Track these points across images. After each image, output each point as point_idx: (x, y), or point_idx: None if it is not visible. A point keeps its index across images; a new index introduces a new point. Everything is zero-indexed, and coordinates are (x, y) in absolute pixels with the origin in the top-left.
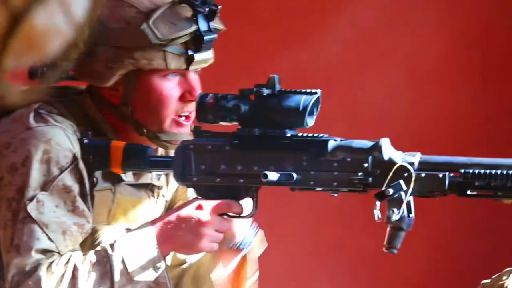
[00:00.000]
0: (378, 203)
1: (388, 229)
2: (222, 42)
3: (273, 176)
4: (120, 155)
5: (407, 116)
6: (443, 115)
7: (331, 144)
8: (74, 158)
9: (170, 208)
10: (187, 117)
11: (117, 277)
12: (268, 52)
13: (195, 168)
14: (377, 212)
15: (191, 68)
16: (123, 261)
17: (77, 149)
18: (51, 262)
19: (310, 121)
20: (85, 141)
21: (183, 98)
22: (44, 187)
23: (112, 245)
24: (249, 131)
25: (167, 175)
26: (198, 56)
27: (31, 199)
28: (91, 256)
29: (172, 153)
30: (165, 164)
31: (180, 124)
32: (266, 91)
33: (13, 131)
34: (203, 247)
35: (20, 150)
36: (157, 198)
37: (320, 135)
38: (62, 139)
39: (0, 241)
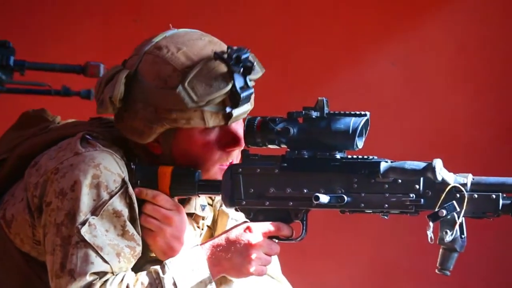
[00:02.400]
0: (431, 224)
1: (440, 250)
2: (271, 62)
3: (324, 198)
4: (168, 180)
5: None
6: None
7: (383, 165)
8: (123, 182)
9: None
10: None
11: None
12: (317, 74)
13: (244, 192)
14: (430, 233)
15: (230, 122)
16: (174, 284)
17: (125, 174)
18: (105, 281)
19: (360, 143)
20: (132, 166)
21: (225, 149)
22: (95, 211)
23: (163, 267)
24: (298, 154)
25: (213, 207)
26: (236, 112)
27: (83, 223)
28: (143, 278)
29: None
30: (213, 188)
31: (223, 170)
32: (315, 114)
33: (61, 157)
34: (252, 271)
35: (69, 175)
36: (202, 229)
37: (370, 157)
38: (110, 163)
39: (48, 266)
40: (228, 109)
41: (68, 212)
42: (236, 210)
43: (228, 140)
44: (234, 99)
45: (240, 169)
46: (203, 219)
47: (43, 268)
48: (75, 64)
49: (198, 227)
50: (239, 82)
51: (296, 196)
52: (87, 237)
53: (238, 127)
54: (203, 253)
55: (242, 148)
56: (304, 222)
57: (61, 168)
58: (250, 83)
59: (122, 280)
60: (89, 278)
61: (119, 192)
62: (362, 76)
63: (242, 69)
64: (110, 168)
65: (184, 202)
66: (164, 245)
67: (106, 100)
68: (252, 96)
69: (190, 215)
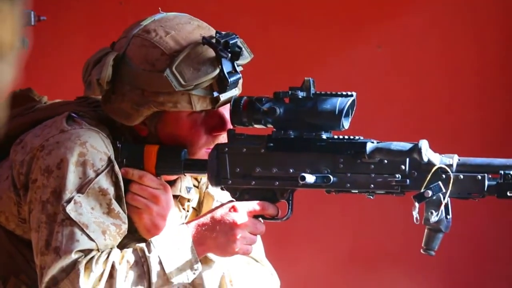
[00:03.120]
0: (417, 205)
1: (426, 231)
2: (258, 45)
3: (310, 178)
4: (154, 158)
5: (440, 118)
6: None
7: (369, 146)
8: (110, 160)
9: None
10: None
11: (154, 278)
12: (303, 56)
13: (230, 171)
14: (415, 214)
15: (217, 107)
16: (160, 263)
17: (111, 152)
18: (90, 259)
19: (346, 124)
20: (118, 144)
21: (211, 133)
22: (81, 189)
23: (148, 246)
24: (284, 134)
25: (199, 189)
26: (223, 96)
27: (68, 201)
28: (129, 255)
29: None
30: (199, 167)
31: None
32: (301, 94)
33: (46, 135)
34: (237, 250)
35: (55, 152)
36: (187, 211)
37: (356, 137)
38: (97, 141)
39: (33, 243)
40: (215, 94)
41: (54, 189)
42: (222, 189)
43: (214, 124)
44: (221, 84)
45: (226, 149)
46: (188, 201)
47: (27, 246)
48: None
49: (184, 209)
50: (227, 67)
51: (282, 176)
52: (72, 215)
53: (225, 111)
54: (188, 232)
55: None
56: (290, 201)
57: (46, 145)
58: (238, 68)
59: (107, 257)
60: (74, 255)
61: (105, 170)
62: (349, 59)
63: (230, 54)
64: (96, 146)
65: (170, 184)
66: (150, 222)
67: (93, 82)
68: (240, 81)
69: (175, 197)
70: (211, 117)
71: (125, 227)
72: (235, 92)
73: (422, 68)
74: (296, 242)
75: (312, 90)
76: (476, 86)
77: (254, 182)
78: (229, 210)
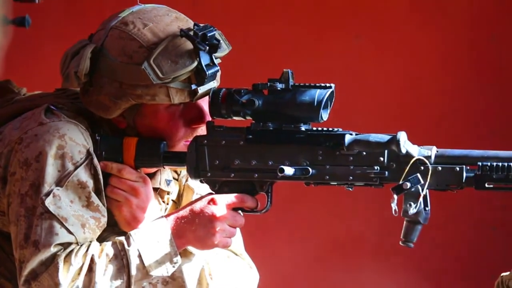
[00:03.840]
0: (395, 196)
1: (404, 222)
2: (236, 37)
3: (288, 170)
4: (133, 151)
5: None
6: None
7: (348, 138)
8: (88, 153)
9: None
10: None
11: (133, 271)
12: (281, 47)
13: (209, 163)
14: (394, 206)
15: (195, 99)
16: (139, 256)
17: (90, 145)
18: (69, 252)
19: (325, 115)
20: (97, 137)
21: (190, 125)
22: (59, 182)
23: (128, 239)
24: (263, 126)
25: (179, 181)
26: (202, 89)
27: (47, 195)
28: (108, 249)
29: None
30: (178, 159)
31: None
32: (280, 86)
33: (25, 127)
34: (216, 243)
35: (33, 145)
36: (167, 204)
37: (335, 129)
38: (75, 134)
39: (12, 236)
40: (193, 86)
41: (33, 182)
42: (201, 181)
43: (193, 116)
44: (199, 76)
45: (205, 141)
46: (168, 194)
47: (5, 239)
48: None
49: (164, 201)
50: (205, 59)
51: (261, 168)
52: (51, 208)
53: (204, 103)
54: (167, 224)
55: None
56: (269, 194)
57: (25, 138)
58: (216, 61)
59: (87, 250)
60: (53, 249)
61: (84, 163)
62: (326, 49)
63: (208, 47)
64: (75, 139)
65: (149, 177)
66: (129, 215)
67: (71, 74)
68: (218, 74)
69: (155, 189)
70: (190, 109)
71: (104, 220)
72: (213, 84)
73: (401, 58)
74: (275, 234)
75: (291, 82)
76: (460, 75)
77: (233, 175)
78: (208, 203)
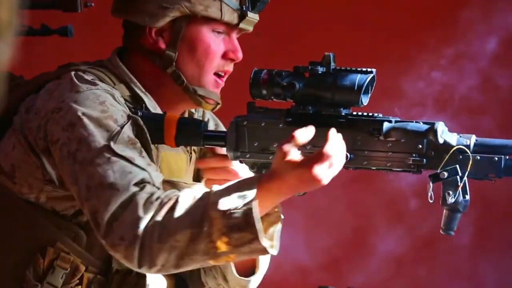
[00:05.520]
0: (431, 184)
1: (444, 211)
2: (273, 17)
3: None
4: (173, 129)
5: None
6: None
7: (386, 125)
8: (129, 116)
9: None
10: (222, 77)
11: (214, 218)
12: (322, 29)
13: (248, 145)
14: (430, 192)
15: (241, 25)
16: (217, 209)
17: (128, 111)
18: (149, 192)
19: (365, 100)
20: (139, 113)
21: (226, 56)
22: (111, 139)
23: (210, 191)
24: (303, 109)
25: None
26: (250, 15)
27: (109, 139)
28: (195, 192)
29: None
30: (218, 138)
31: (217, 84)
32: (321, 69)
33: (60, 96)
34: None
35: (74, 110)
36: (190, 153)
37: (375, 114)
38: (114, 102)
39: (76, 197)
40: (244, 8)
41: (80, 139)
42: (240, 162)
43: (229, 47)
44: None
45: (245, 122)
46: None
47: (54, 214)
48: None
49: (187, 150)
50: None
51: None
52: (116, 150)
53: (237, 42)
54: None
55: (238, 60)
56: None
57: (63, 106)
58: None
59: (164, 193)
60: (132, 188)
61: (128, 123)
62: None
63: None
64: (115, 105)
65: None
66: None
67: None
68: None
69: None
70: (226, 42)
71: (159, 173)
72: (257, 17)
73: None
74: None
75: (332, 66)
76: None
77: (271, 157)
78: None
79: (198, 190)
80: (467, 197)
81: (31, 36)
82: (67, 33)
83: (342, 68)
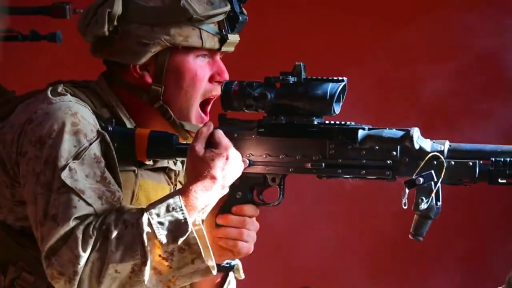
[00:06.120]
0: (406, 190)
1: (415, 216)
2: (248, 29)
3: None
4: (145, 143)
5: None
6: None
7: (361, 133)
8: (99, 132)
9: None
10: (207, 105)
11: (145, 239)
12: (293, 39)
13: None
14: (404, 199)
15: (223, 48)
16: (149, 224)
17: (98, 127)
18: (88, 224)
19: (337, 109)
20: (109, 128)
21: (212, 79)
22: (76, 156)
23: (143, 209)
24: (276, 119)
25: (183, 161)
26: (230, 37)
27: (63, 168)
28: (126, 216)
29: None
30: None
31: (203, 120)
32: (292, 79)
33: (33, 108)
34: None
35: (46, 123)
36: (175, 185)
37: (348, 122)
38: (87, 114)
39: (30, 217)
40: (224, 32)
41: (47, 159)
42: None
43: (215, 70)
44: (231, 21)
45: None
46: (175, 175)
47: (20, 233)
48: (42, 5)
49: (172, 182)
50: (236, 6)
51: (273, 161)
52: (68, 181)
53: (222, 63)
54: (177, 192)
55: (225, 81)
56: (281, 187)
57: (35, 118)
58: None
59: (104, 219)
60: (72, 223)
61: (98, 140)
62: (338, 42)
63: None
64: (87, 118)
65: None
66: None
67: (104, 17)
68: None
69: (163, 169)
70: (211, 65)
71: (119, 194)
72: (237, 38)
73: (412, 53)
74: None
75: (303, 75)
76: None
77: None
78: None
79: (126, 214)
80: (439, 203)
81: (20, 42)
82: (55, 39)
83: (313, 77)
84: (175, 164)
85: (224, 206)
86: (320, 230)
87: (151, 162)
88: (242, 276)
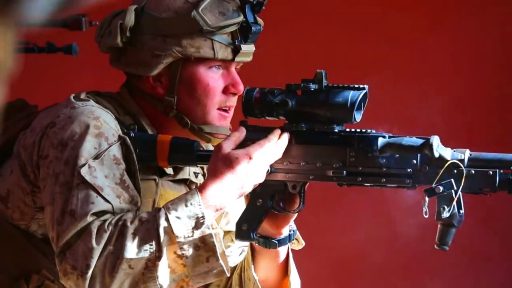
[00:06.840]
0: (426, 199)
1: (439, 226)
2: (268, 37)
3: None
4: (166, 149)
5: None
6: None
7: (381, 141)
8: (120, 137)
9: None
10: (227, 110)
11: (161, 234)
12: (315, 47)
13: None
14: (425, 208)
15: (237, 59)
16: (167, 219)
17: (120, 132)
18: (104, 221)
19: (358, 117)
20: (132, 134)
21: (226, 91)
22: (96, 157)
23: (160, 208)
24: (296, 126)
25: (204, 174)
26: (244, 47)
27: (82, 166)
28: (143, 215)
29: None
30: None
31: (223, 117)
32: (313, 86)
33: (56, 112)
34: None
35: (68, 126)
36: None
37: (368, 130)
38: (109, 119)
39: (48, 219)
40: (237, 42)
41: (67, 160)
42: None
43: (229, 82)
44: (244, 32)
45: None
46: (196, 187)
47: (43, 241)
48: (58, 18)
49: None
50: (250, 16)
51: (294, 169)
52: (87, 177)
53: (237, 74)
54: (196, 190)
55: (240, 93)
56: (302, 194)
57: (58, 121)
58: (259, 22)
59: (120, 217)
60: (89, 218)
61: (118, 143)
62: (359, 52)
63: (252, 5)
64: (109, 123)
65: (178, 168)
66: None
67: (116, 28)
68: (253, 50)
69: (184, 181)
70: (226, 76)
71: (137, 199)
72: (253, 48)
73: (434, 59)
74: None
75: (324, 83)
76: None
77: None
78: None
79: (143, 213)
80: (462, 211)
81: (36, 54)
82: (71, 51)
83: (335, 85)
84: (196, 176)
85: (245, 213)
86: (339, 239)
87: (171, 172)
88: (303, 243)
